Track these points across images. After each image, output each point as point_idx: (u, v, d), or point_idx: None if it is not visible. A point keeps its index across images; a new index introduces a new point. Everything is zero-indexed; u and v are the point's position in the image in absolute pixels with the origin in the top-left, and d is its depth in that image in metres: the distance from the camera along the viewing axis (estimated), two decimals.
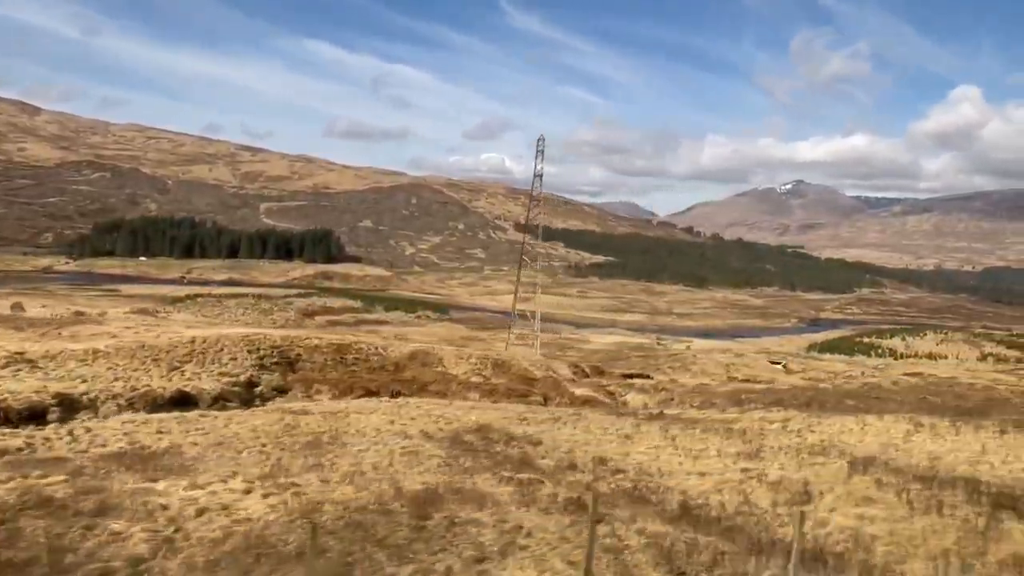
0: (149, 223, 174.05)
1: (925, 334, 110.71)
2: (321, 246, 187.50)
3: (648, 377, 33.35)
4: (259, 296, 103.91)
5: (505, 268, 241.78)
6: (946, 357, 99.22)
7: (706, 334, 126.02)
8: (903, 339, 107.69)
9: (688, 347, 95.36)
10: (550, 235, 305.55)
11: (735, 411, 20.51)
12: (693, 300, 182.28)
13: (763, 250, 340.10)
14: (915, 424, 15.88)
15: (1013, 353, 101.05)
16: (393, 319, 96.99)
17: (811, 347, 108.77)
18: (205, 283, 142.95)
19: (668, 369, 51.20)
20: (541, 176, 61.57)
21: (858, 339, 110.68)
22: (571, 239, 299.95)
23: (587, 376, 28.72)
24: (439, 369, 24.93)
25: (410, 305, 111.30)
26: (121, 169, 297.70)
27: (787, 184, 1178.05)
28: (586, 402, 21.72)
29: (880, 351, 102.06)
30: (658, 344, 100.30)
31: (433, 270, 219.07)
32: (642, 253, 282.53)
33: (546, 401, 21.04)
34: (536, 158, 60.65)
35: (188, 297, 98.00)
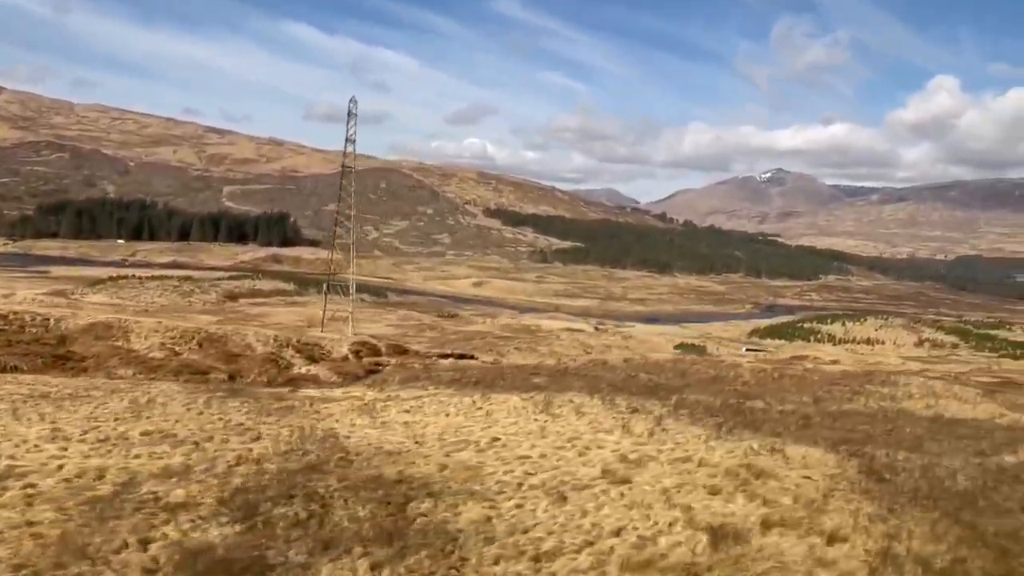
0: (97, 204, 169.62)
1: (865, 320, 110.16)
2: (276, 229, 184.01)
3: (472, 358, 31.48)
4: (185, 278, 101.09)
5: (468, 253, 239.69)
6: (883, 343, 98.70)
7: (653, 319, 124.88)
8: (843, 324, 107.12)
9: (607, 330, 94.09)
10: (519, 220, 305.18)
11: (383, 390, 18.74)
12: (652, 286, 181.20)
13: (733, 237, 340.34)
14: (530, 402, 14.24)
15: (950, 339, 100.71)
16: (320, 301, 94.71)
17: (753, 332, 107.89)
18: (147, 265, 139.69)
19: (514, 350, 49.50)
20: (354, 141, 56.36)
21: (800, 324, 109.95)
22: (540, 224, 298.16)
23: (378, 355, 26.82)
24: (118, 343, 22.92)
25: (345, 290, 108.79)
26: (81, 150, 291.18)
27: (767, 172, 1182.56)
28: (291, 381, 19.87)
29: (819, 336, 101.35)
30: (596, 329, 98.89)
31: (393, 255, 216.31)
32: (610, 239, 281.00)
33: (232, 379, 19.19)
34: (348, 121, 55.72)
35: (110, 279, 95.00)
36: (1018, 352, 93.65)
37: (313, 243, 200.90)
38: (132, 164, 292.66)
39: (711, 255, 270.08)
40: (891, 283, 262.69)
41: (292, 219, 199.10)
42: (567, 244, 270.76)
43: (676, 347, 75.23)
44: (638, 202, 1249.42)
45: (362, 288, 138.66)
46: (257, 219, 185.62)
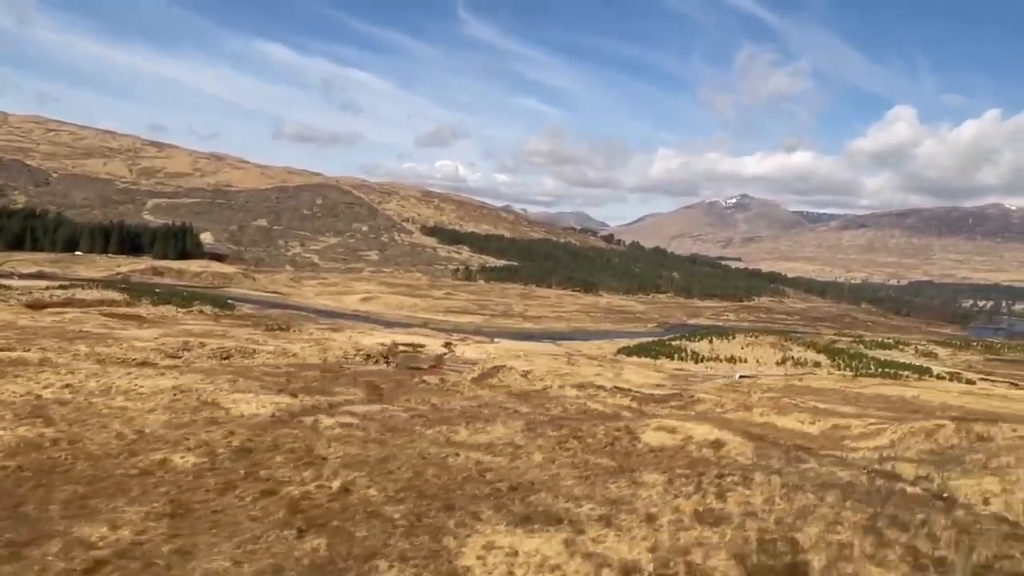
0: None
1: (733, 336, 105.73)
2: (175, 242, 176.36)
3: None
4: None
5: (388, 270, 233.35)
6: (745, 360, 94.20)
7: (529, 336, 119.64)
8: (710, 342, 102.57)
9: (453, 344, 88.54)
10: (457, 239, 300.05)
11: None
12: (564, 304, 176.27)
13: (675, 259, 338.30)
14: None
15: (819, 357, 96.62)
16: (145, 312, 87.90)
17: (621, 350, 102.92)
18: (8, 275, 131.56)
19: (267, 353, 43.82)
20: None
21: (670, 342, 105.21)
22: (478, 243, 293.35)
23: None
24: None
25: (188, 300, 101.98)
26: (1, 160, 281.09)
27: (733, 198, 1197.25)
28: None
29: (682, 354, 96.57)
30: (444, 344, 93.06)
31: (306, 270, 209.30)
32: (546, 258, 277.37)
33: None
34: None
35: None
36: (880, 371, 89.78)
37: (217, 257, 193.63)
38: (55, 176, 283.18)
39: (645, 275, 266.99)
40: (823, 305, 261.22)
41: (195, 232, 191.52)
42: (501, 262, 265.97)
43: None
44: (608, 225, 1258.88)
45: (239, 300, 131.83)
46: (155, 231, 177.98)
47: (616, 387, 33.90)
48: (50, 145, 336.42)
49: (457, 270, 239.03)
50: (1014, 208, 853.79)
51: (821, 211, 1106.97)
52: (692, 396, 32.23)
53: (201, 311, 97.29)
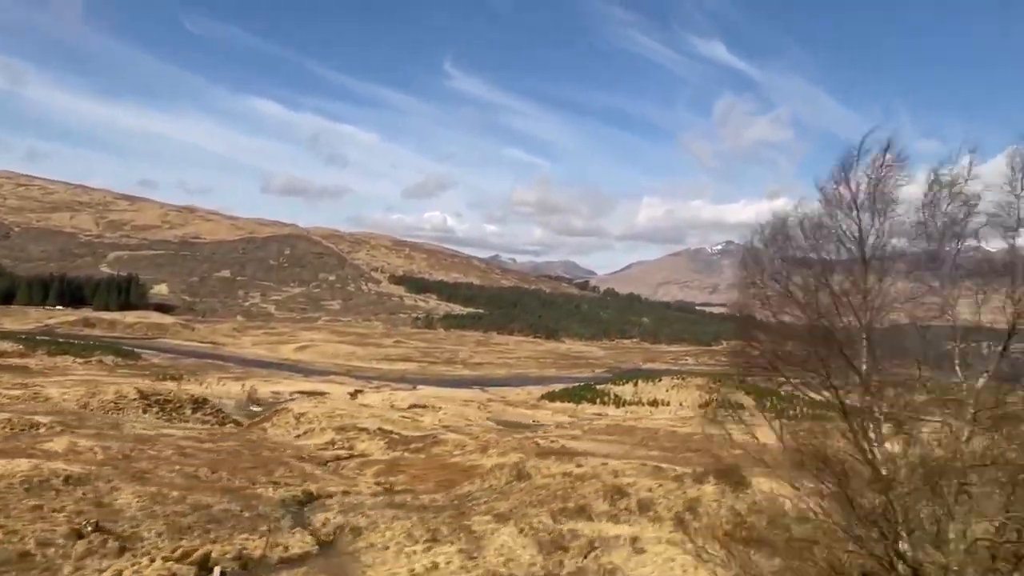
0: None
1: (660, 379, 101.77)
2: (118, 293, 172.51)
3: None
4: None
5: (347, 319, 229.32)
6: (668, 403, 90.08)
7: (458, 383, 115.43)
8: (635, 385, 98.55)
9: (357, 394, 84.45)
10: (424, 287, 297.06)
11: None
12: (516, 350, 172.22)
13: (647, 304, 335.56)
14: None
15: (740, 398, 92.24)
16: (34, 364, 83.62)
17: (544, 395, 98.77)
18: None
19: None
20: None
21: (595, 386, 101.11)
22: (446, 291, 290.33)
23: None
24: None
25: (89, 350, 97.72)
26: None
27: (718, 245, 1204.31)
28: None
29: (605, 398, 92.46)
30: (348, 395, 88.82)
31: (261, 320, 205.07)
32: (513, 306, 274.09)
33: None
34: None
35: None
36: (806, 411, 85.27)
37: (165, 308, 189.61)
38: (16, 230, 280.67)
39: (613, 321, 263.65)
40: None
41: (143, 283, 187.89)
42: (468, 310, 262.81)
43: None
44: (595, 273, 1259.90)
45: (164, 350, 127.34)
46: (98, 283, 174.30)
47: (382, 429, 30.03)
48: (18, 200, 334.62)
49: (418, 318, 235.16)
50: (994, 251, 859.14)
51: (807, 256, 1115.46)
52: (437, 439, 28.37)
53: (100, 361, 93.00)
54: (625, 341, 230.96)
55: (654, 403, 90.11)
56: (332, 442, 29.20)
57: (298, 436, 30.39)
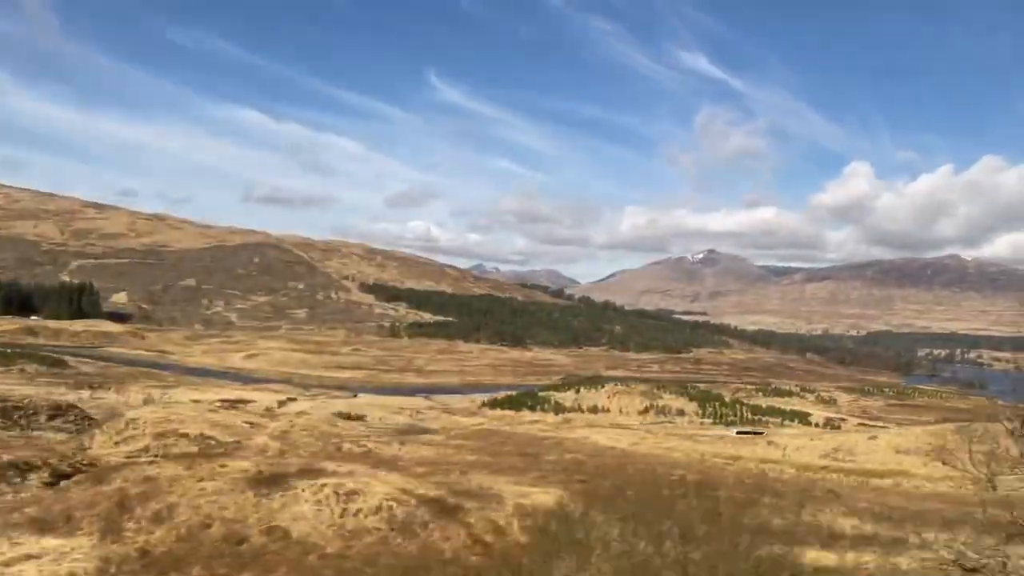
0: None
1: (603, 386, 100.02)
2: (70, 302, 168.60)
3: None
4: None
5: (309, 327, 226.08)
6: (609, 410, 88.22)
7: (405, 391, 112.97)
8: (577, 392, 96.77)
9: (285, 403, 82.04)
10: (395, 296, 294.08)
11: None
12: (477, 358, 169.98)
13: (621, 312, 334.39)
14: None
15: (690, 406, 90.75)
16: None
17: (485, 403, 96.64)
18: None
19: None
20: None
21: (537, 393, 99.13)
22: (416, 299, 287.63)
23: None
24: None
25: (11, 358, 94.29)
26: None
27: (700, 253, 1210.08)
28: None
29: (545, 406, 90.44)
30: (276, 403, 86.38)
31: (220, 328, 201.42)
32: (483, 314, 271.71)
33: None
34: None
35: None
36: (745, 418, 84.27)
37: (119, 317, 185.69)
38: None
39: (583, 329, 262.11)
40: (764, 356, 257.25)
41: (97, 291, 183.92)
42: (437, 318, 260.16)
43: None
44: (579, 282, 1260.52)
45: (104, 359, 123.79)
46: (49, 291, 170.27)
47: (204, 435, 27.95)
48: None
49: (383, 326, 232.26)
50: (970, 259, 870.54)
51: (787, 265, 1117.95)
52: (240, 444, 26.27)
53: (23, 370, 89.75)
54: (593, 349, 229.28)
55: (594, 409, 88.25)
56: (146, 448, 26.95)
57: (116, 443, 28.20)
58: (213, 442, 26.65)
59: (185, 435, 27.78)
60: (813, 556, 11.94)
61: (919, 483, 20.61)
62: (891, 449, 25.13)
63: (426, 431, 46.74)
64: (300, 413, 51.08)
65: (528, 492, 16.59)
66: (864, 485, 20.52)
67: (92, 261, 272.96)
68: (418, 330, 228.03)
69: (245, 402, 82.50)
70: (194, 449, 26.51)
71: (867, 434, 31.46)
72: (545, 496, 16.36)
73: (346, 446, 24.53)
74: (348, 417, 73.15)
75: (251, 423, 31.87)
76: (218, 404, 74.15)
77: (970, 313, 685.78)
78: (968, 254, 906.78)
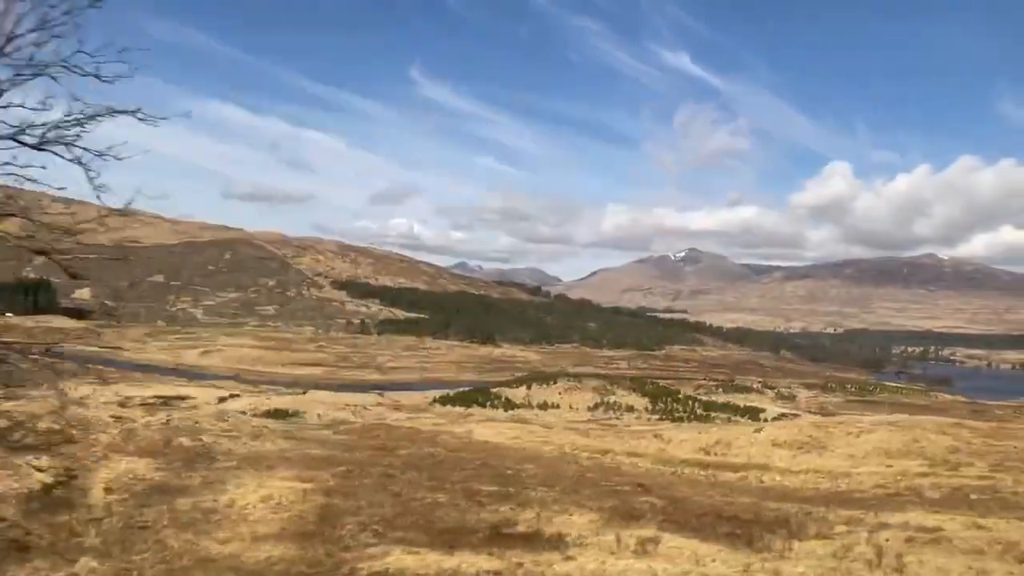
0: None
1: (555, 382, 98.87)
2: (25, 297, 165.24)
3: None
4: None
5: (275, 324, 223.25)
6: (558, 406, 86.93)
7: (361, 388, 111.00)
8: (527, 388, 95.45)
9: (226, 399, 79.98)
10: (368, 293, 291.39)
11: None
12: (444, 355, 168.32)
13: (596, 309, 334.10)
14: None
15: (636, 400, 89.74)
16: None
17: (437, 399, 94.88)
18: None
19: None
20: None
21: (491, 389, 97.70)
22: (389, 297, 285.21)
23: None
24: None
25: None
26: None
27: (681, 252, 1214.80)
28: None
29: (495, 402, 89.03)
30: (217, 400, 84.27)
31: (184, 325, 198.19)
32: (457, 311, 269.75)
33: None
34: None
35: None
36: (696, 413, 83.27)
37: (79, 313, 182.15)
38: None
39: (557, 326, 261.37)
40: (736, 353, 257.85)
41: (54, 286, 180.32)
42: (409, 315, 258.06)
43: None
44: (561, 280, 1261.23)
45: (55, 355, 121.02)
46: (3, 287, 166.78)
47: (50, 429, 26.43)
48: None
49: (352, 323, 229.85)
50: (947, 258, 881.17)
51: (768, 263, 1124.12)
52: (73, 439, 24.71)
53: None
54: (565, 346, 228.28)
55: (544, 406, 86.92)
56: None
57: None
58: (57, 436, 24.95)
59: (33, 429, 26.12)
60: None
61: (770, 476, 19.42)
62: (768, 443, 23.99)
63: (328, 427, 45.01)
64: (192, 408, 49.12)
65: (287, 484, 15.15)
66: (708, 479, 19.24)
67: (56, 257, 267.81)
68: (388, 327, 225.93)
69: (181, 399, 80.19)
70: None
71: (754, 427, 30.35)
72: (297, 486, 14.96)
73: (178, 440, 22.91)
74: (284, 415, 71.25)
75: (119, 417, 30.10)
76: (151, 400, 72.08)
77: (946, 311, 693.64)
78: (944, 253, 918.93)
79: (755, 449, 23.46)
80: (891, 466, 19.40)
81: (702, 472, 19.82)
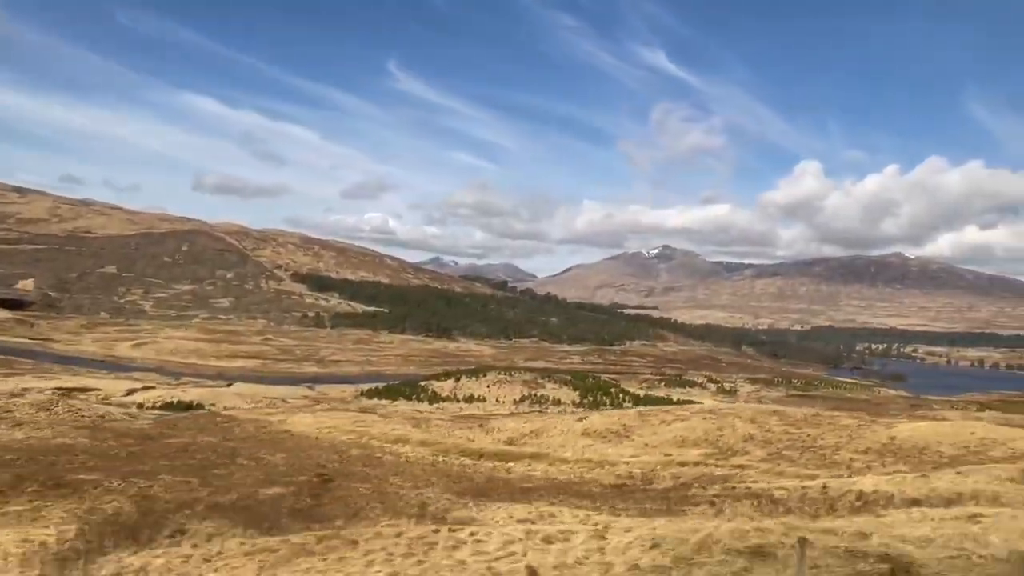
0: None
1: (485, 375, 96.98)
2: None
3: None
4: None
5: (228, 317, 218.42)
6: (485, 399, 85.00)
7: (294, 380, 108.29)
8: (456, 380, 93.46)
9: (134, 391, 76.92)
10: (327, 286, 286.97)
11: None
12: (394, 349, 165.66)
13: (560, 305, 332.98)
14: None
15: (566, 394, 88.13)
16: None
17: (362, 393, 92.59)
18: None
19: None
20: None
21: (420, 383, 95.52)
22: (349, 290, 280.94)
23: None
24: None
25: None
26: None
27: (655, 249, 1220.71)
28: None
29: (421, 395, 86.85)
30: (128, 391, 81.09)
31: (131, 317, 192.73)
32: (417, 305, 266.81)
33: None
34: None
35: None
36: (627, 406, 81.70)
37: (15, 304, 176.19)
38: None
39: (517, 321, 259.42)
40: (696, 349, 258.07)
41: None
42: (369, 309, 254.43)
43: None
44: (536, 276, 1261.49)
45: None
46: None
47: None
48: None
49: (306, 316, 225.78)
50: (913, 257, 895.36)
51: (739, 261, 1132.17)
52: None
53: None
54: (523, 340, 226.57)
55: (470, 399, 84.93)
56: None
57: None
58: None
59: None
60: None
61: (543, 465, 17.60)
62: (580, 432, 22.27)
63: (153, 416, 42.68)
64: (57, 397, 46.40)
65: None
66: (470, 468, 17.35)
67: (6, 247, 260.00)
68: (344, 320, 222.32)
69: (88, 390, 77.09)
70: None
71: (576, 417, 28.69)
72: None
73: None
74: (187, 407, 68.25)
75: None
76: (53, 392, 68.71)
77: (911, 309, 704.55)
78: (911, 252, 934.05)
79: (560, 439, 21.70)
80: (670, 455, 17.74)
81: (469, 461, 17.90)
